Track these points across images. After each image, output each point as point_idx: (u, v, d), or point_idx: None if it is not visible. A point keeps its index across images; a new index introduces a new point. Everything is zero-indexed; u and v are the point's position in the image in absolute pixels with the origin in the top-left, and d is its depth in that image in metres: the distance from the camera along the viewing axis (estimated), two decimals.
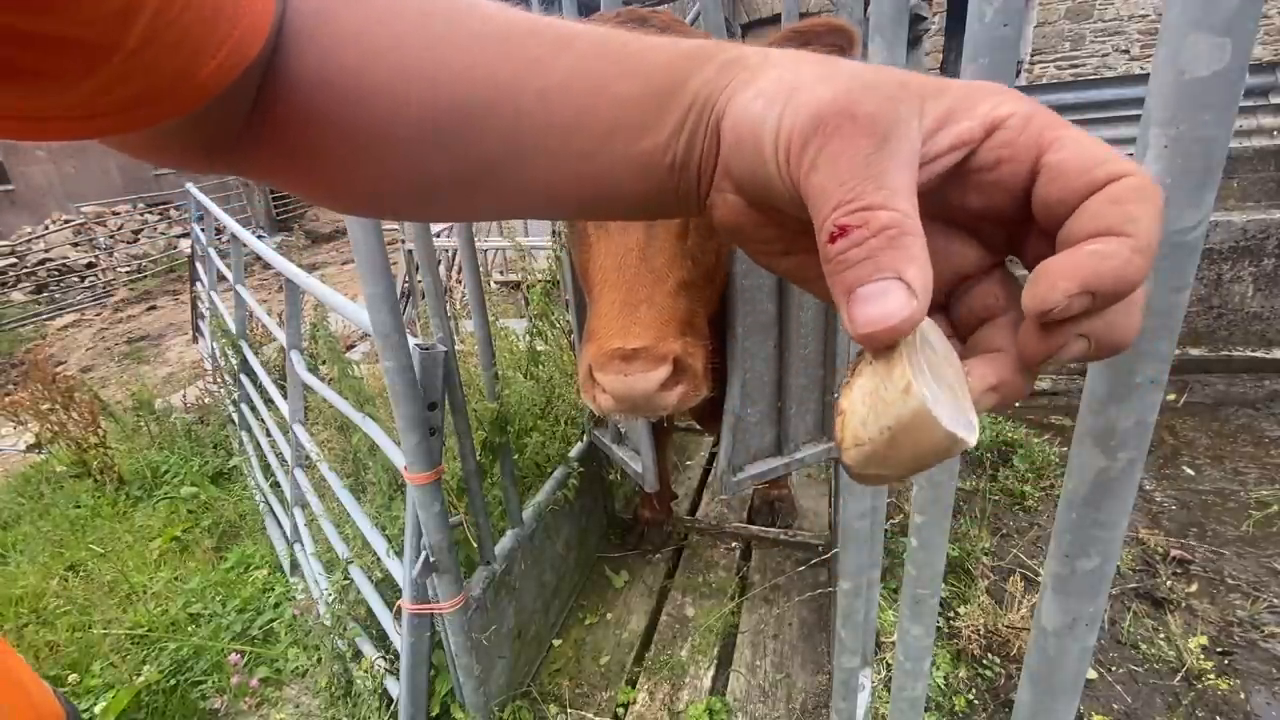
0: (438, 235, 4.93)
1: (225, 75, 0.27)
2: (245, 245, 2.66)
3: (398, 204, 0.38)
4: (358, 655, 1.82)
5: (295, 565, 2.41)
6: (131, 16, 0.23)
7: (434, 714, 1.62)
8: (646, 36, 0.32)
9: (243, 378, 3.09)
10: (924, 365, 0.25)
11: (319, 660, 1.90)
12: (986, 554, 2.28)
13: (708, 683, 1.85)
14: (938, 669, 1.80)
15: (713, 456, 2.99)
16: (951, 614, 1.96)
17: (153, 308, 9.45)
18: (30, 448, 3.89)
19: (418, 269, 3.45)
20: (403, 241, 5.56)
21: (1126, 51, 7.44)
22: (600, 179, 0.33)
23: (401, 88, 0.30)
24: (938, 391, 0.25)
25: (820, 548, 2.24)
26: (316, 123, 0.31)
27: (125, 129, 0.28)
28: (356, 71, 0.30)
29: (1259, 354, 3.50)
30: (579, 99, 0.31)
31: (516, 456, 1.92)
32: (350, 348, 5.14)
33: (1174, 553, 2.26)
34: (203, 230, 4.17)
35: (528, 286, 2.45)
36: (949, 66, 7.90)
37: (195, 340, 6.29)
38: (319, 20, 0.30)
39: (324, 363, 2.54)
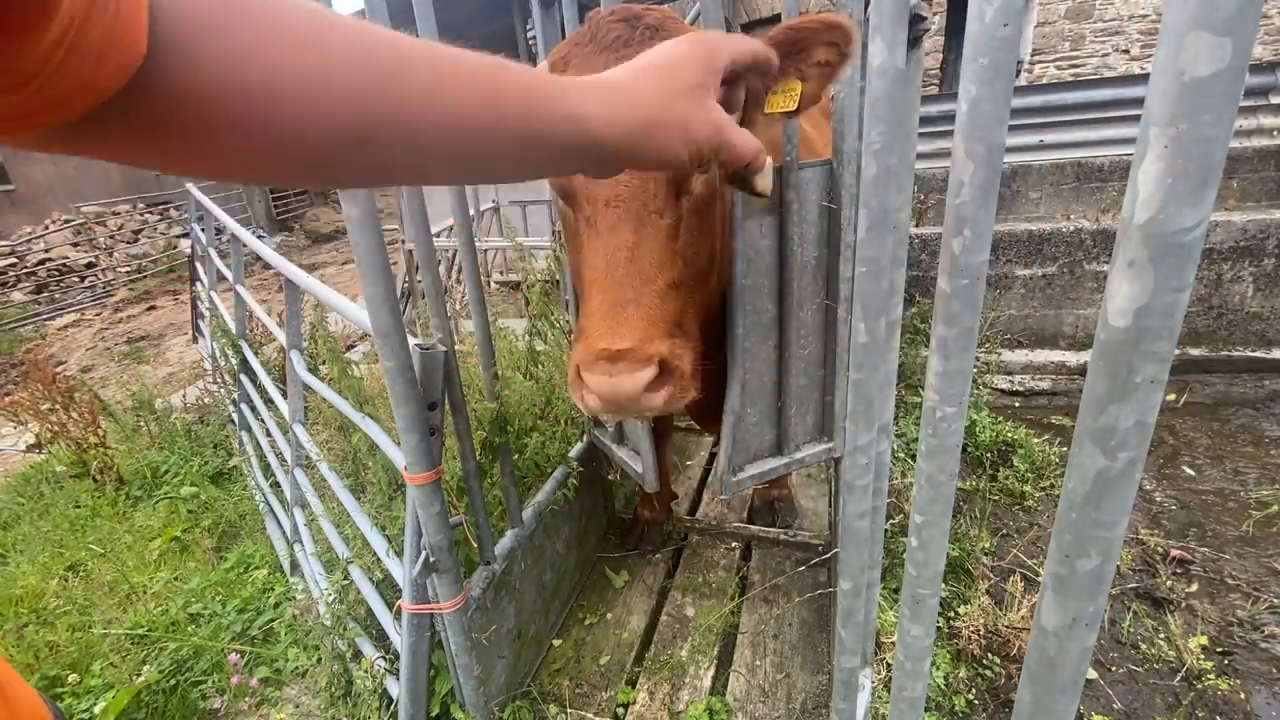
0: (438, 235, 4.93)
1: (120, 77, 0.30)
2: (245, 245, 2.66)
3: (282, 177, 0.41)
4: (358, 655, 1.82)
5: (295, 565, 2.41)
6: (61, 42, 0.26)
7: (434, 714, 1.62)
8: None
9: (243, 378, 3.09)
10: None
11: (319, 660, 1.90)
12: (986, 554, 2.28)
13: (708, 683, 1.85)
14: (938, 669, 1.80)
15: (713, 456, 3.00)
16: (951, 614, 1.96)
17: (153, 308, 9.46)
18: (30, 448, 3.89)
19: (418, 269, 3.45)
20: (403, 241, 5.55)
21: (1126, 51, 7.43)
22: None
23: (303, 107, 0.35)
24: None
25: (820, 548, 2.24)
26: (208, 126, 0.34)
27: (29, 129, 0.31)
28: (263, 90, 0.34)
29: (1259, 354, 3.50)
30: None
31: (516, 456, 1.92)
32: (350, 348, 5.14)
33: (1174, 553, 2.26)
34: (203, 230, 4.17)
35: (527, 286, 2.45)
36: (949, 66, 7.89)
37: (195, 340, 6.29)
38: (206, 31, 0.34)
39: (324, 363, 2.54)
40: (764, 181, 0.54)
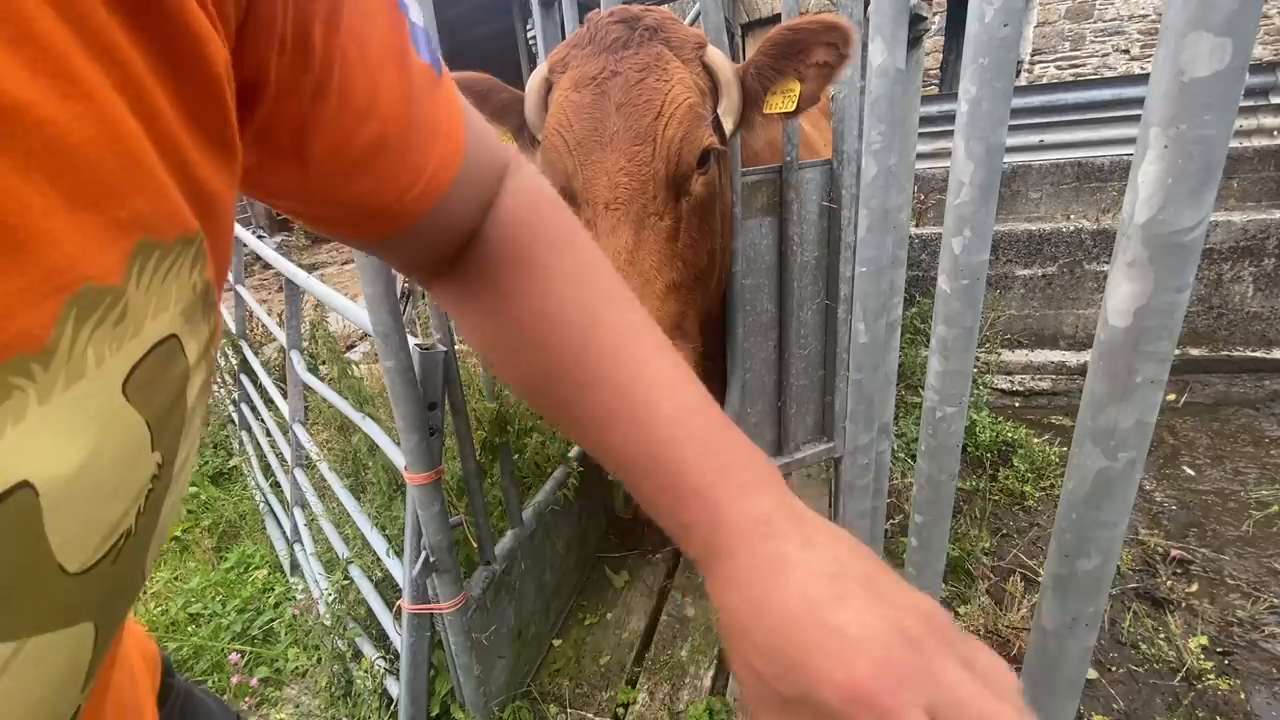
0: None
1: (423, 203, 0.38)
2: (245, 245, 2.66)
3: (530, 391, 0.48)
4: (358, 655, 1.82)
5: (295, 565, 2.41)
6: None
7: (434, 714, 1.62)
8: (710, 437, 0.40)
9: (243, 378, 3.09)
10: None
11: (319, 660, 1.91)
12: (986, 554, 2.28)
13: (708, 683, 1.85)
14: None
15: None
16: (951, 614, 1.96)
17: None
18: None
19: None
20: None
21: (1126, 51, 7.43)
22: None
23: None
24: None
25: None
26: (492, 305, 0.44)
27: (360, 238, 0.42)
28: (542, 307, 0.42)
29: (1259, 354, 3.50)
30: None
31: (516, 456, 1.91)
32: (350, 348, 5.14)
33: (1174, 553, 2.26)
34: None
35: None
36: (949, 66, 7.90)
37: None
38: (527, 246, 0.43)
39: (324, 363, 2.54)
40: None
